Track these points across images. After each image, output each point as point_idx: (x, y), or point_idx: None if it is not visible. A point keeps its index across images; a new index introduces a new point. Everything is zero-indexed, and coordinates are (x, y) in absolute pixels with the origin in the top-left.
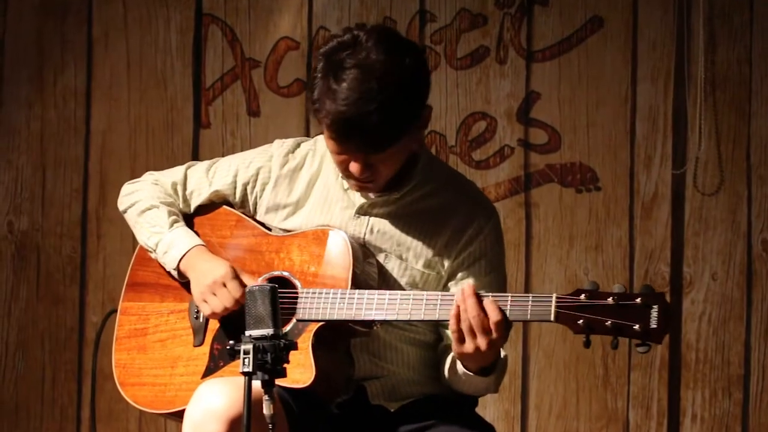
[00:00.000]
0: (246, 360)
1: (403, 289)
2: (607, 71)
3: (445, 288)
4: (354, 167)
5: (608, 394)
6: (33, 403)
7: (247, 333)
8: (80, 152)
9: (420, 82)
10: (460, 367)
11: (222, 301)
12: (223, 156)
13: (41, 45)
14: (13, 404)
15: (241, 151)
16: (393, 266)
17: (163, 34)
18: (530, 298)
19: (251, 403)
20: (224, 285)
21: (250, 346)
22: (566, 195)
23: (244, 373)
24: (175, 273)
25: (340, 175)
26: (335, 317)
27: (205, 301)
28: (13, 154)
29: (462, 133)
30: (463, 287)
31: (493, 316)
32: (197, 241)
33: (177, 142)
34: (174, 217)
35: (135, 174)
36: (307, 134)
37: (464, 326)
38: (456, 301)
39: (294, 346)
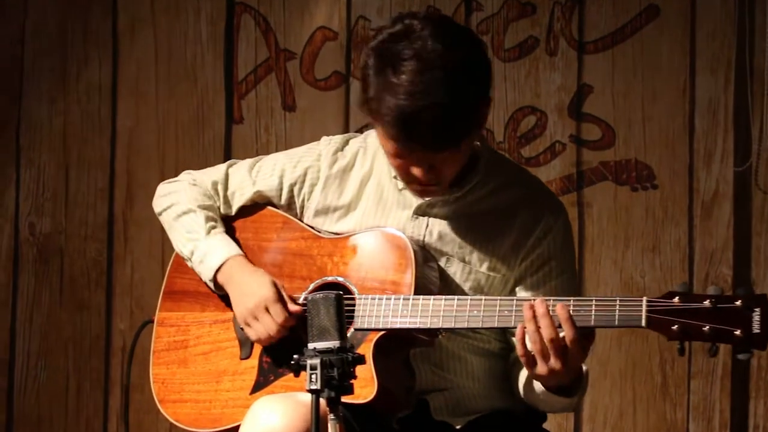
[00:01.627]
0: (313, 376)
1: (466, 294)
2: (663, 62)
3: (512, 292)
4: (417, 171)
5: (667, 404)
6: (56, 414)
7: (311, 346)
8: (106, 150)
9: (482, 70)
10: (538, 386)
11: (265, 327)
12: (257, 153)
13: (64, 37)
14: (36, 416)
15: (276, 147)
16: (455, 270)
17: (192, 25)
18: (617, 302)
19: (320, 425)
20: (267, 309)
21: (317, 361)
22: (621, 194)
23: (312, 391)
24: (211, 285)
25: (393, 173)
26: (398, 326)
27: (248, 325)
28: (35, 152)
29: (510, 128)
30: (532, 304)
31: (569, 333)
32: (235, 250)
33: (208, 139)
34: (212, 223)
35: (164, 173)
36: (347, 130)
37: (536, 348)
38: (525, 320)
39: (362, 360)
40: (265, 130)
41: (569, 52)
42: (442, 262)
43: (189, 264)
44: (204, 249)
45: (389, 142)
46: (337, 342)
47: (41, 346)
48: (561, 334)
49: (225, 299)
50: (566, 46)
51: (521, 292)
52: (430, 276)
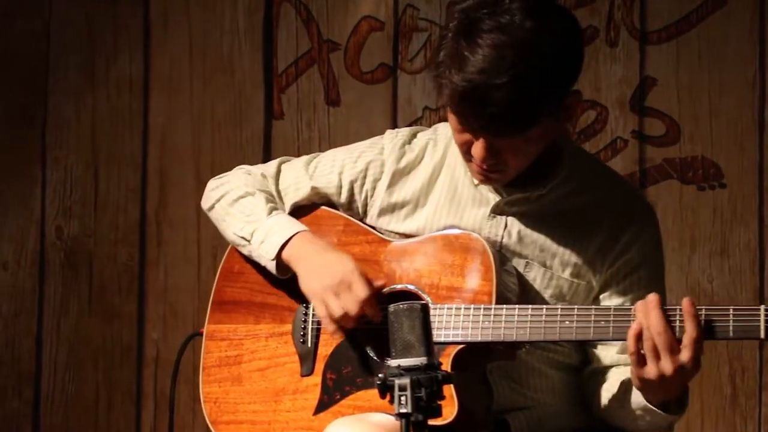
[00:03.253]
0: (403, 398)
1: (546, 302)
2: (730, 54)
3: (596, 301)
4: (476, 150)
5: (737, 416)
6: (85, 429)
7: (394, 363)
8: (137, 148)
9: (569, 59)
10: (636, 398)
11: (346, 305)
12: (298, 150)
13: (91, 29)
14: (63, 431)
15: (319, 145)
16: (535, 275)
17: (229, 15)
18: (731, 311)
19: None
20: (350, 287)
21: (406, 381)
22: (687, 193)
23: (401, 416)
24: (272, 266)
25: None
26: (479, 338)
27: (324, 302)
28: (62, 150)
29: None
30: (647, 298)
31: (690, 331)
32: (302, 227)
33: (246, 136)
34: (272, 204)
35: (199, 172)
36: (394, 126)
37: (647, 345)
38: (636, 316)
39: (451, 379)
40: (307, 127)
41: (631, 42)
42: (521, 267)
43: (246, 250)
44: (266, 228)
45: (451, 114)
46: (424, 358)
47: (69, 357)
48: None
49: (283, 309)
50: (627, 37)
51: (605, 302)
52: (507, 282)
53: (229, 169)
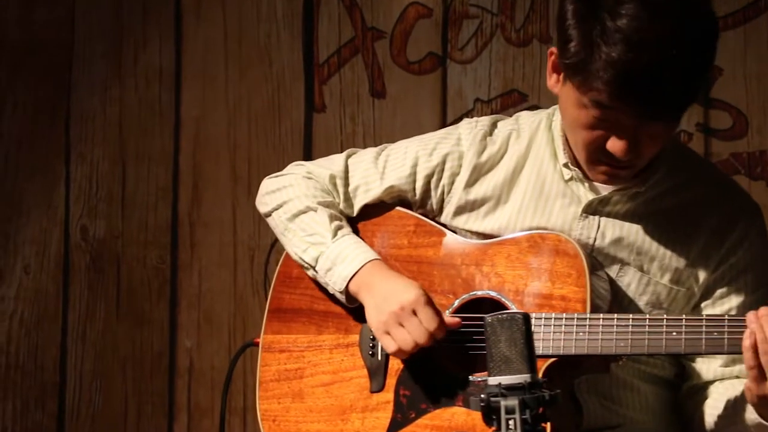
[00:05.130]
0: (511, 422)
1: (640, 310)
2: None
3: (696, 309)
4: (619, 145)
5: None
6: None
7: (494, 380)
8: (168, 143)
9: (714, 23)
10: (750, 416)
11: (413, 334)
12: (341, 145)
13: (119, 16)
14: None
15: (363, 139)
16: (630, 281)
17: (266, 0)
18: None
19: None
20: (414, 313)
21: (514, 402)
22: (756, 189)
23: None
24: (342, 297)
25: (563, 160)
26: (573, 351)
27: (389, 334)
28: (87, 145)
29: None
30: (760, 310)
31: None
32: (372, 254)
33: (285, 130)
34: (337, 222)
35: (234, 168)
36: (443, 118)
37: (765, 360)
38: (749, 326)
39: (558, 399)
40: (350, 120)
41: None
42: (613, 272)
43: (310, 274)
44: (332, 255)
45: (590, 109)
46: (527, 376)
47: (96, 365)
48: None
49: (348, 318)
50: None
51: (708, 310)
52: (599, 289)
53: (267, 165)
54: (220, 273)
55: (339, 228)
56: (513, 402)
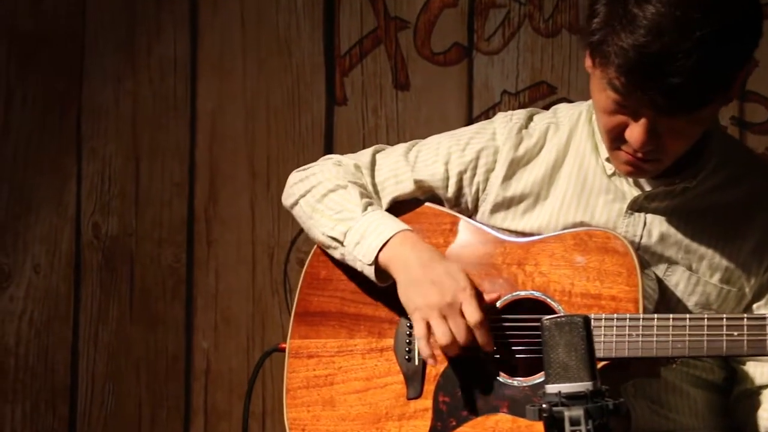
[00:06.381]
0: None
1: (689, 311)
2: None
3: (748, 309)
4: (634, 133)
5: None
6: None
7: (553, 389)
8: (183, 137)
9: (753, 19)
10: None
11: (456, 330)
12: (363, 140)
13: (132, 4)
14: None
15: (386, 133)
16: (678, 280)
17: None
18: None
19: None
20: (460, 309)
21: (579, 412)
22: None
23: None
24: (370, 271)
25: (605, 154)
26: (626, 353)
27: (426, 321)
28: (99, 140)
29: None
30: None
31: None
32: (404, 225)
33: (305, 123)
34: (368, 199)
35: (252, 163)
36: (469, 111)
37: None
38: None
39: (622, 408)
40: (373, 113)
41: None
42: (660, 271)
43: (338, 253)
44: (362, 229)
45: (609, 91)
46: (589, 383)
47: (108, 367)
48: None
49: (381, 321)
50: None
51: (762, 311)
52: (646, 288)
53: (286, 160)
54: (238, 272)
55: (369, 204)
56: (578, 412)
